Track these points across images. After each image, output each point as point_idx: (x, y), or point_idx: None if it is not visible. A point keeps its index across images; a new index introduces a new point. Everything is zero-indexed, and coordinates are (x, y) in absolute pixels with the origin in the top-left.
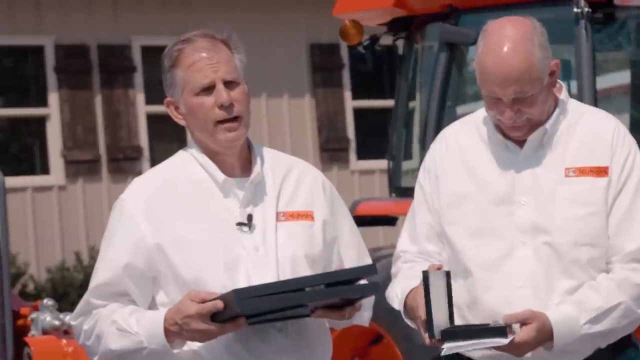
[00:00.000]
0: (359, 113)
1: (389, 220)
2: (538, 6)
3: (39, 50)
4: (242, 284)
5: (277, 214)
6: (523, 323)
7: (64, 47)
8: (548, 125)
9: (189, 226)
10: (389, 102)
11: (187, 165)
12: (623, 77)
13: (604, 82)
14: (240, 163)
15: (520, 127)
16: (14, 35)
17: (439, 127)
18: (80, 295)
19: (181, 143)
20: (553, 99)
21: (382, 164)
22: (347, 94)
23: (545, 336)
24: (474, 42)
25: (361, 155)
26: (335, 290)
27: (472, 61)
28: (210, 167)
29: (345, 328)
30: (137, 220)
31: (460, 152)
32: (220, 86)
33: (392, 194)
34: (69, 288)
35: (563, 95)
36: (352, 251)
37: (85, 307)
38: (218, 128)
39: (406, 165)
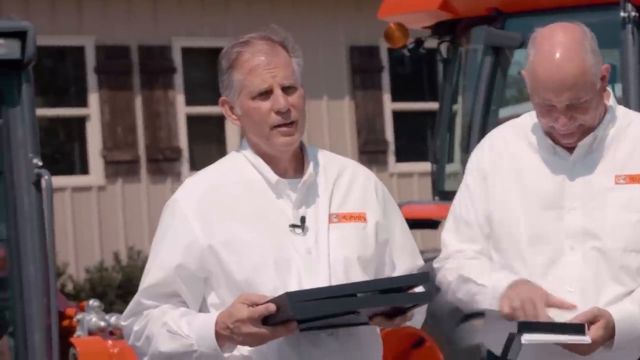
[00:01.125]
0: (398, 115)
1: (432, 224)
2: (584, 10)
3: (79, 51)
4: (294, 286)
5: (330, 215)
6: (592, 322)
7: (104, 47)
8: (599, 131)
9: (241, 227)
10: (428, 105)
11: (240, 166)
12: None
13: None
14: (293, 165)
15: (573, 134)
16: (55, 35)
17: (483, 131)
18: (119, 296)
19: (220, 144)
20: (603, 105)
21: (421, 166)
22: (387, 97)
23: (610, 333)
24: (520, 46)
25: (400, 158)
26: (389, 297)
27: (517, 66)
28: (263, 168)
29: (388, 331)
30: (189, 221)
31: (509, 156)
32: (278, 91)
33: (435, 197)
34: (107, 288)
35: (611, 101)
36: (405, 253)
37: (136, 308)
38: (274, 132)
39: (448, 168)
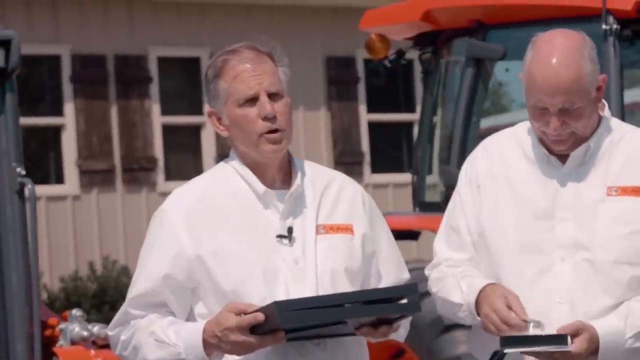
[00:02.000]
0: (373, 127)
1: (412, 235)
2: (566, 22)
3: (55, 60)
4: (281, 296)
5: (317, 226)
6: (575, 334)
7: (80, 56)
8: (592, 141)
9: (229, 238)
10: (404, 116)
11: (228, 177)
12: None
13: (629, 97)
14: (280, 175)
15: (565, 141)
16: (31, 44)
17: (464, 142)
18: (93, 305)
19: (196, 154)
20: (597, 116)
21: (396, 177)
22: (362, 108)
23: (594, 347)
24: (502, 58)
25: (375, 169)
26: (377, 308)
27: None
28: (251, 179)
29: (367, 342)
30: (177, 231)
31: (502, 164)
32: (264, 98)
33: (415, 208)
34: (82, 298)
35: (606, 112)
36: (391, 265)
37: (123, 318)
38: (262, 139)
39: (428, 179)
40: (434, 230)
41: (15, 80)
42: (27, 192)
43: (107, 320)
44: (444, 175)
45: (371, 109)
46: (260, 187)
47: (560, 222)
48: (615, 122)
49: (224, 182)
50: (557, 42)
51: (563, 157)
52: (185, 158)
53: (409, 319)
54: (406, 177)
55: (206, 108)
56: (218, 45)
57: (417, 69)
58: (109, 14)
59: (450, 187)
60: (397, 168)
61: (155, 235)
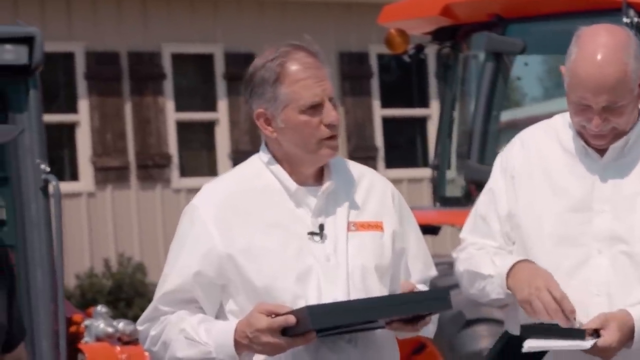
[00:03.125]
0: (387, 122)
1: (433, 230)
2: (586, 16)
3: (69, 57)
4: (313, 293)
5: (348, 223)
6: (601, 328)
7: (94, 53)
8: (631, 135)
9: (260, 234)
10: (418, 111)
11: (258, 173)
12: None
13: None
14: (313, 173)
15: (605, 136)
16: (45, 41)
17: (484, 136)
18: (109, 302)
19: (210, 151)
20: (637, 110)
21: (410, 172)
22: (376, 103)
23: (627, 334)
24: (521, 52)
25: (389, 164)
26: (407, 307)
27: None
28: (283, 176)
29: None
30: (208, 227)
31: (539, 156)
32: (328, 105)
33: (435, 203)
34: (97, 295)
35: None
36: (419, 262)
37: (153, 313)
38: (321, 144)
39: (448, 174)
40: (455, 225)
41: (39, 77)
42: (51, 188)
43: (122, 317)
44: (464, 170)
45: (385, 104)
46: (292, 185)
47: (597, 215)
48: None
49: (255, 178)
50: (602, 38)
51: (601, 150)
52: (199, 154)
53: (437, 315)
54: (420, 172)
55: (254, 108)
56: (232, 41)
57: (431, 64)
58: (122, 11)
59: (471, 181)
60: (411, 163)
61: (186, 231)
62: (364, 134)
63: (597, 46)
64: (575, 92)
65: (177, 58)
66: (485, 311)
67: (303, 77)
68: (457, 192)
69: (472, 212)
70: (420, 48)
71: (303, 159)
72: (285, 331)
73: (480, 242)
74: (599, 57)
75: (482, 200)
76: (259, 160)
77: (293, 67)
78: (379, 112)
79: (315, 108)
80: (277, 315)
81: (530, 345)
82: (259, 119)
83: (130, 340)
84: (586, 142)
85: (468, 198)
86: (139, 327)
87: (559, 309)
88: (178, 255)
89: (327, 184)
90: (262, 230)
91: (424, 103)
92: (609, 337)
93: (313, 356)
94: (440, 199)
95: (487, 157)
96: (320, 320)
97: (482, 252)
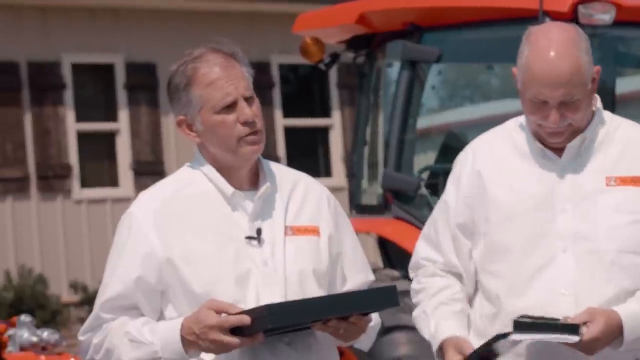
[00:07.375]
0: (289, 131)
1: None
2: (502, 24)
3: None
4: (251, 298)
5: (285, 228)
6: (587, 322)
7: None
8: (587, 132)
9: (198, 240)
10: (320, 121)
11: (195, 179)
12: None
13: None
14: (248, 177)
15: (562, 133)
16: None
17: (401, 144)
18: (10, 314)
19: (111, 161)
20: (591, 108)
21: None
22: (278, 113)
23: (614, 331)
24: (437, 60)
25: None
26: (360, 304)
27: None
28: (219, 181)
29: None
30: (146, 233)
31: (495, 161)
32: (242, 103)
33: (352, 211)
34: None
35: (598, 104)
36: (356, 267)
37: (94, 322)
38: (241, 143)
39: (363, 183)
40: (370, 233)
41: None
42: None
43: None
44: (382, 178)
45: (286, 113)
46: (229, 189)
47: (560, 214)
48: (607, 114)
49: (191, 185)
50: (554, 34)
51: (558, 150)
52: (100, 165)
53: (376, 330)
54: (322, 181)
55: (174, 117)
56: (132, 51)
57: (332, 73)
58: (21, 20)
59: (387, 189)
60: (314, 172)
61: (124, 238)
62: (266, 144)
63: (549, 42)
64: (530, 89)
65: (77, 68)
66: (404, 318)
67: (214, 78)
68: (373, 201)
69: (429, 220)
70: (335, 57)
71: (229, 160)
72: (234, 330)
73: (430, 256)
74: (552, 52)
75: (436, 210)
76: (194, 167)
77: (203, 69)
78: (280, 121)
79: (229, 107)
80: (227, 313)
81: (517, 337)
82: (180, 126)
83: (56, 351)
84: (542, 142)
85: (384, 206)
86: (80, 338)
87: None
88: (117, 263)
89: (263, 188)
90: (199, 235)
91: (326, 113)
92: (593, 331)
93: (252, 359)
94: (357, 207)
95: (403, 165)
96: (278, 319)
97: (425, 307)
